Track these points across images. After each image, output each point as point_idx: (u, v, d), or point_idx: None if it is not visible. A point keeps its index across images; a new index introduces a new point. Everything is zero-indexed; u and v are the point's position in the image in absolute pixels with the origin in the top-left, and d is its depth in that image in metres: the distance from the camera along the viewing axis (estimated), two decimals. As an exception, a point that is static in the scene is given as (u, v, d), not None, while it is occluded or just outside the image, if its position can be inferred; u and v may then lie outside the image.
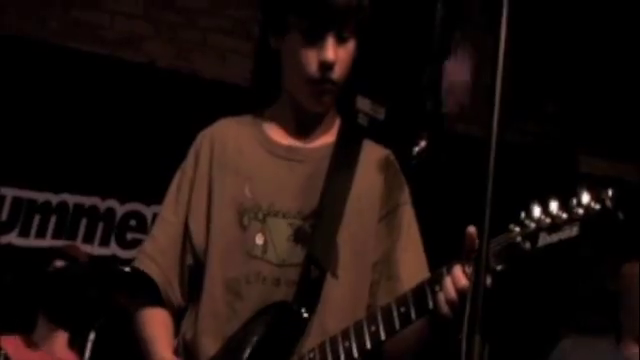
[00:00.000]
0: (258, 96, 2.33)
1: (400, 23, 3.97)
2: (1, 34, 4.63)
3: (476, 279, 1.40)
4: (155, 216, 4.36)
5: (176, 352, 2.08)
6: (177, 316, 2.17)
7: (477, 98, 4.96)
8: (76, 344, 3.76)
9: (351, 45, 2.07)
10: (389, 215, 2.13)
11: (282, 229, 2.04)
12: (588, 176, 5.01)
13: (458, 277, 1.72)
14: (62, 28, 4.80)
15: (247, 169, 2.11)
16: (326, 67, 2.02)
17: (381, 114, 2.17)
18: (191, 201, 2.12)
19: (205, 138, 2.19)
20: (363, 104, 2.17)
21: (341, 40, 2.03)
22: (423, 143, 2.30)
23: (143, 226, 4.62)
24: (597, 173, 4.99)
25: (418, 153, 2.33)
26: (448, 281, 1.74)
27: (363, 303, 2.09)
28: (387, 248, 2.11)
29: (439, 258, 2.12)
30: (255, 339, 1.96)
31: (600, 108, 5.08)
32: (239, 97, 4.34)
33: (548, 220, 1.58)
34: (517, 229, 1.64)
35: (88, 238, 4.58)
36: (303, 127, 2.17)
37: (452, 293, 1.73)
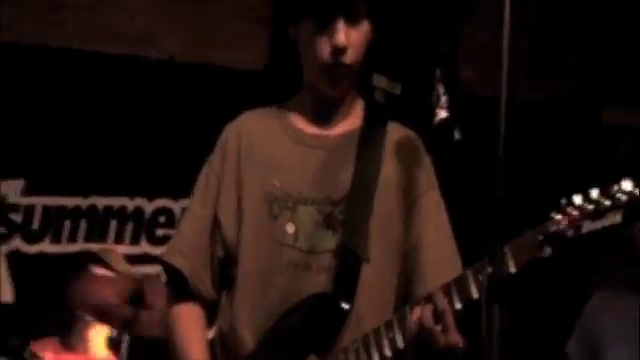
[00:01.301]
0: (275, 80, 2.34)
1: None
2: (19, 43, 4.64)
3: (492, 250, 1.40)
4: (183, 210, 4.39)
5: (212, 344, 2.10)
6: (211, 306, 2.18)
7: (495, 60, 4.88)
8: (113, 345, 3.79)
9: (364, 27, 2.06)
10: (416, 201, 2.12)
11: (312, 216, 2.05)
12: (612, 127, 4.93)
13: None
14: (79, 31, 4.81)
15: (275, 159, 2.12)
16: (338, 51, 2.01)
17: (397, 89, 2.15)
18: (220, 195, 2.14)
19: (231, 132, 2.20)
20: (379, 81, 2.16)
21: (353, 22, 2.03)
22: (444, 113, 2.25)
23: (172, 221, 4.62)
24: (621, 123, 4.92)
25: (439, 123, 2.28)
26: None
27: (392, 288, 2.10)
28: (415, 235, 2.11)
29: (463, 226, 2.10)
30: (295, 332, 1.98)
31: (621, 58, 5.00)
32: (262, 85, 4.35)
33: (591, 207, 1.59)
34: (559, 216, 1.64)
35: (118, 238, 4.59)
36: (326, 114, 2.17)
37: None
